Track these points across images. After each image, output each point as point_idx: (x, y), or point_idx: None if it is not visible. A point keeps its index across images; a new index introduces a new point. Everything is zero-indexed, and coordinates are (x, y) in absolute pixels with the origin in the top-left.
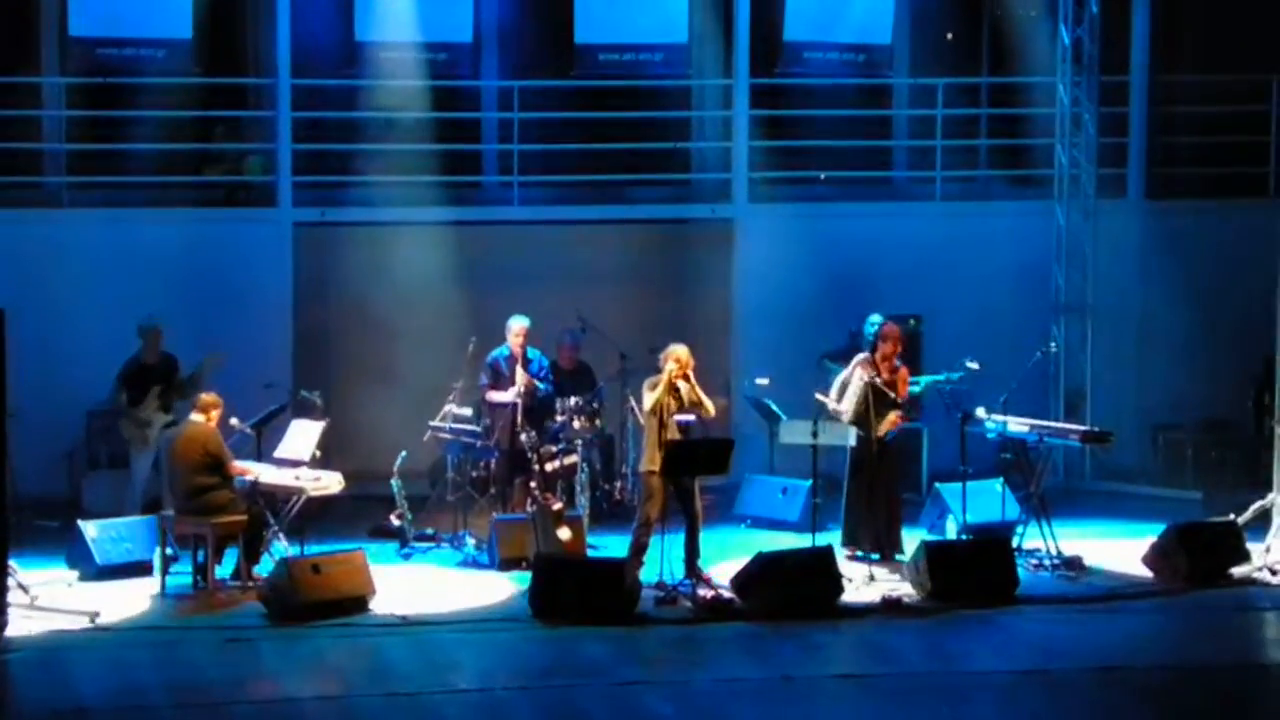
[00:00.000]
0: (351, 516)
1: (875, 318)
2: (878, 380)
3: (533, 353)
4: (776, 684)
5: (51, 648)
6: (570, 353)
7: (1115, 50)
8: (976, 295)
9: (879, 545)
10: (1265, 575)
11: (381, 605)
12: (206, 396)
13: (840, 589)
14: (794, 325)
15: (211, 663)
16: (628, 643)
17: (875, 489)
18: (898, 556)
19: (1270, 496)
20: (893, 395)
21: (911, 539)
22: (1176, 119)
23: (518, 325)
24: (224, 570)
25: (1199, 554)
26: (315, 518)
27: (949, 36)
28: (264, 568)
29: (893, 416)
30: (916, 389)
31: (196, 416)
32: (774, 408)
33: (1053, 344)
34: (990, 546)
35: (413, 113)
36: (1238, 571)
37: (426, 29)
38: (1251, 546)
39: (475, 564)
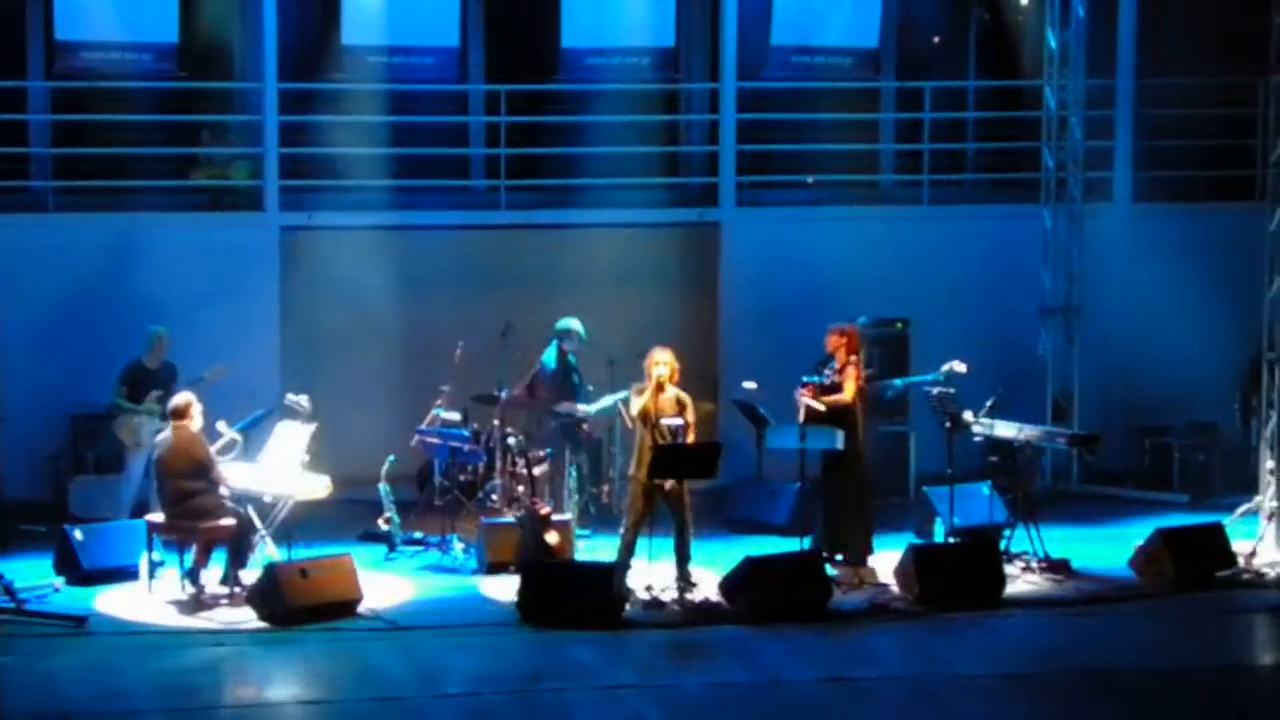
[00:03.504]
0: (339, 521)
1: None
2: (806, 400)
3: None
4: (765, 688)
5: (38, 652)
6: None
7: (1102, 54)
8: (964, 299)
9: (844, 549)
10: (1251, 578)
11: (369, 610)
12: (179, 399)
13: (829, 592)
14: (781, 329)
15: (199, 667)
16: (616, 647)
17: (842, 494)
18: (855, 561)
19: (1257, 499)
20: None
21: (899, 542)
22: (1163, 122)
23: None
24: (211, 574)
25: (1185, 557)
26: (303, 522)
27: (936, 40)
28: (251, 571)
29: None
30: (892, 392)
31: (178, 422)
32: (761, 411)
33: (1040, 348)
34: (977, 550)
35: (401, 117)
36: (1224, 574)
37: (413, 33)
38: (1237, 549)
39: (463, 568)
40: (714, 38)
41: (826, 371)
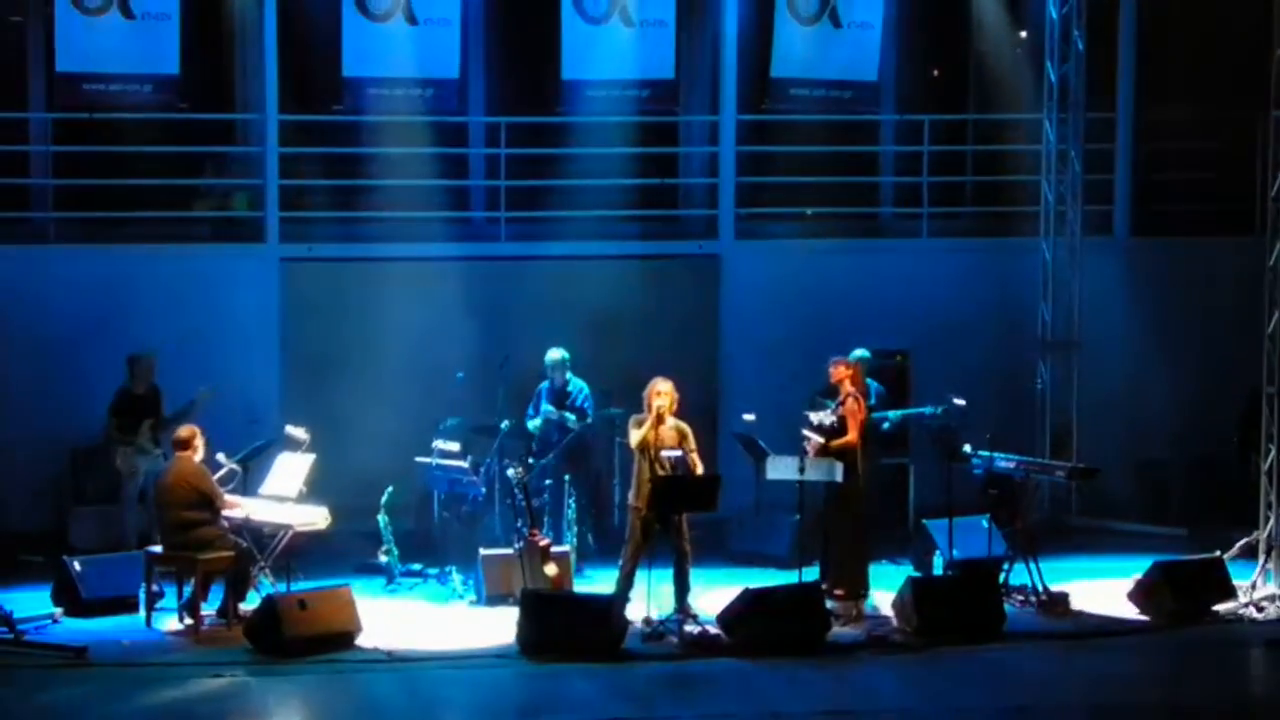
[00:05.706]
0: (338, 552)
1: (857, 353)
2: (817, 439)
3: (575, 383)
4: None
5: (37, 684)
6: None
7: (1101, 87)
8: (963, 332)
9: (836, 583)
10: (1250, 612)
11: (368, 641)
12: (184, 430)
13: (828, 625)
14: (780, 361)
15: (197, 699)
16: (615, 679)
17: (841, 529)
18: (860, 596)
19: (1255, 533)
20: (822, 440)
21: (897, 575)
22: (1162, 156)
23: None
24: (210, 606)
25: (1184, 591)
26: (302, 553)
27: (935, 73)
28: (250, 603)
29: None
30: (887, 424)
31: (182, 453)
32: (760, 443)
33: (1039, 381)
34: (976, 583)
35: (400, 148)
36: (1223, 608)
37: (414, 65)
38: (1237, 583)
39: (462, 600)
40: (714, 70)
41: (829, 409)
